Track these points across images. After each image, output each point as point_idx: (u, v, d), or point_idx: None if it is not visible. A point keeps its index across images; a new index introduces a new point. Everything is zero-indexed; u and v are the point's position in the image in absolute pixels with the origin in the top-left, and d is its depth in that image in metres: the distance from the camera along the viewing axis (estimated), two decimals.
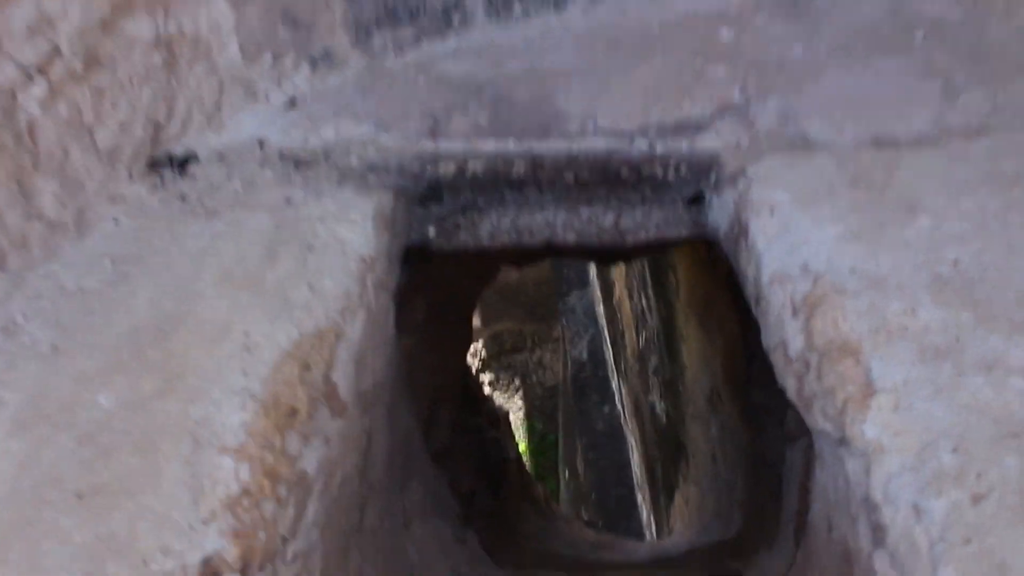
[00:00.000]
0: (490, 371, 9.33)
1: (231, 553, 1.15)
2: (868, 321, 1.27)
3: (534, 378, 9.32)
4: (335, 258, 1.53)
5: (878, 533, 1.12)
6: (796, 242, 1.42)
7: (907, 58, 1.75)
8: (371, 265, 1.55)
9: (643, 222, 1.73)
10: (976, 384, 1.16)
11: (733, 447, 2.95)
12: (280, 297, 1.45)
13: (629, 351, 5.14)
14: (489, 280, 2.48)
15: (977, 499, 1.05)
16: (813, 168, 1.52)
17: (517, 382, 9.34)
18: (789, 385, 1.39)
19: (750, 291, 1.54)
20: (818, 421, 1.29)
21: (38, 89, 1.56)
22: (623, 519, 5.62)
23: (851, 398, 1.20)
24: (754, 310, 1.54)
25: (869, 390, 1.20)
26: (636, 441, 5.38)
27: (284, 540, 1.22)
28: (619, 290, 5.34)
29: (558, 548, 3.13)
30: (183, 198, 1.73)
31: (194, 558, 1.14)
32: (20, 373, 1.40)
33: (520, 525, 3.13)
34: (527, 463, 8.55)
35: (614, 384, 6.19)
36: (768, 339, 1.45)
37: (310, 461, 1.29)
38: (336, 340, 1.42)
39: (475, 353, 9.26)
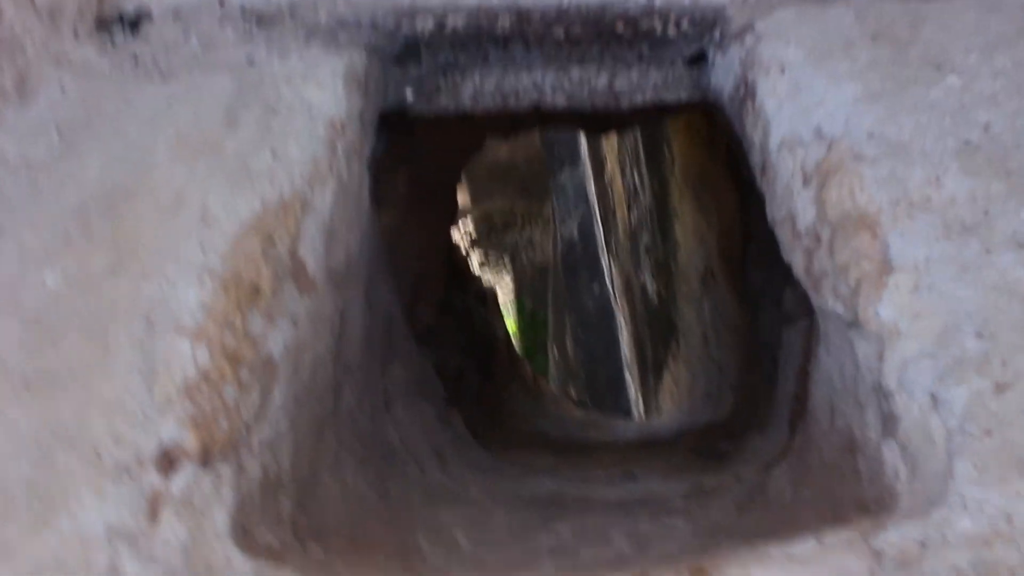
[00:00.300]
0: (480, 250, 9.24)
1: (190, 442, 1.07)
2: (888, 192, 1.15)
3: (524, 257, 9.25)
4: (301, 122, 1.39)
5: (889, 423, 1.04)
6: (809, 104, 1.28)
7: None
8: (341, 130, 1.41)
9: (639, 83, 1.58)
10: (1006, 262, 1.06)
11: (726, 328, 2.89)
12: (241, 165, 1.32)
13: (620, 229, 5.03)
14: (475, 152, 2.34)
15: (1001, 388, 0.96)
16: (829, 21, 1.37)
17: (507, 261, 9.28)
18: (796, 261, 1.28)
19: (755, 159, 1.41)
20: (827, 301, 1.19)
21: None
22: (612, 398, 5.65)
23: (866, 276, 1.10)
24: (759, 181, 1.42)
25: (886, 268, 1.09)
26: (626, 320, 5.35)
27: (248, 428, 1.13)
28: (611, 166, 5.18)
29: (546, 428, 3.11)
30: (135, 60, 1.57)
31: (150, 447, 1.05)
32: None
33: (508, 405, 3.09)
34: (516, 342, 8.59)
35: (604, 263, 6.11)
36: (774, 212, 1.34)
37: (275, 343, 1.19)
38: (303, 211, 1.30)
39: (464, 232, 9.16)
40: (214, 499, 1.06)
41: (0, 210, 1.35)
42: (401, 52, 1.59)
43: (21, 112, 1.50)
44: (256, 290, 1.19)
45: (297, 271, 1.26)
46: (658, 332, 4.21)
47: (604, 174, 5.47)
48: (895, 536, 0.87)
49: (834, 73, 1.29)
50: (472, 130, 2.24)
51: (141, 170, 1.36)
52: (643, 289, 4.46)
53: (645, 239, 4.24)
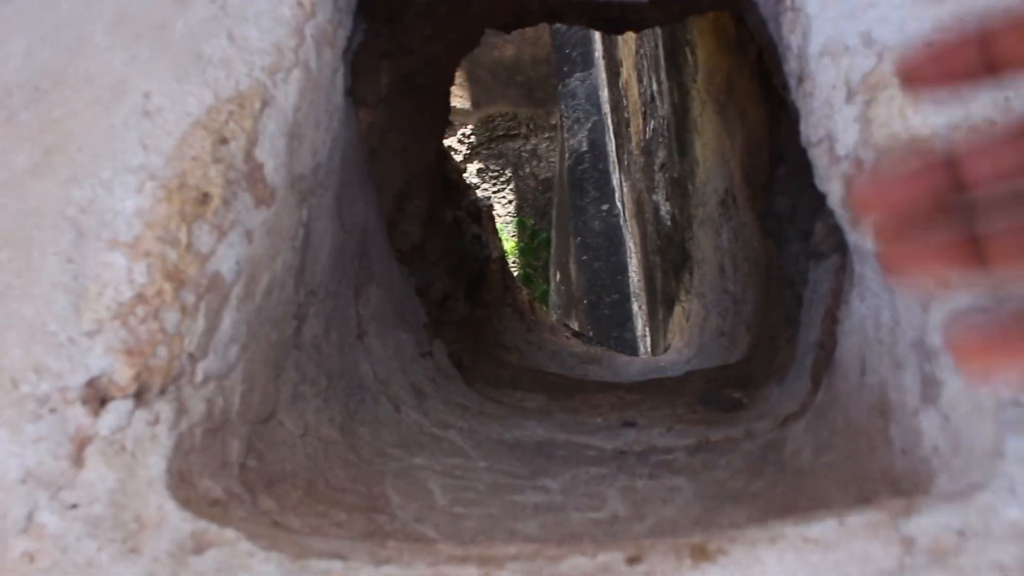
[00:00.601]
0: (478, 160, 9.10)
1: (122, 373, 1.01)
2: (946, 113, 1.06)
3: (527, 169, 9.11)
4: (264, 1, 1.29)
5: (930, 387, 0.97)
6: (858, 4, 1.18)
7: None
8: (311, 11, 1.31)
9: None
10: None
11: (745, 259, 2.81)
12: (191, 50, 1.22)
13: (634, 143, 4.90)
14: (470, 46, 2.22)
15: None
16: None
17: (508, 173, 9.14)
18: (832, 190, 1.19)
19: (791, 67, 1.32)
20: (865, 239, 1.12)
21: None
22: (615, 329, 5.61)
23: None
24: (793, 94, 1.32)
25: None
26: (636, 245, 5.27)
27: (192, 359, 1.07)
28: (626, 71, 5.02)
29: (540, 362, 3.07)
30: None
31: (76, 379, 0.99)
32: None
33: (498, 335, 3.04)
34: (515, 263, 8.54)
35: (615, 180, 6.00)
36: (809, 131, 1.25)
37: (226, 260, 1.12)
38: (262, 107, 1.21)
39: (462, 139, 9.00)
40: (149, 441, 1.00)
41: None
42: None
43: None
44: (205, 198, 1.12)
45: (253, 176, 1.18)
46: (670, 260, 4.13)
47: (619, 80, 5.31)
48: (929, 522, 0.81)
49: None
50: (468, 20, 2.13)
51: (74, 52, 1.27)
52: (656, 211, 4.36)
53: (661, 155, 4.13)
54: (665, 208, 4.12)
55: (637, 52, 4.62)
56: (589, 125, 6.35)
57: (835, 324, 1.50)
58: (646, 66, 4.30)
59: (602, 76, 6.12)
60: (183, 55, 1.22)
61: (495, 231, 3.42)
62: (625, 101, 5.11)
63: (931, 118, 1.06)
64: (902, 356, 1.06)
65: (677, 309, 4.02)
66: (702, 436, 1.73)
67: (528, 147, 9.05)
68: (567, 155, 6.49)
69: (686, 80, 3.38)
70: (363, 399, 1.59)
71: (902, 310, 1.06)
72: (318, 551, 0.93)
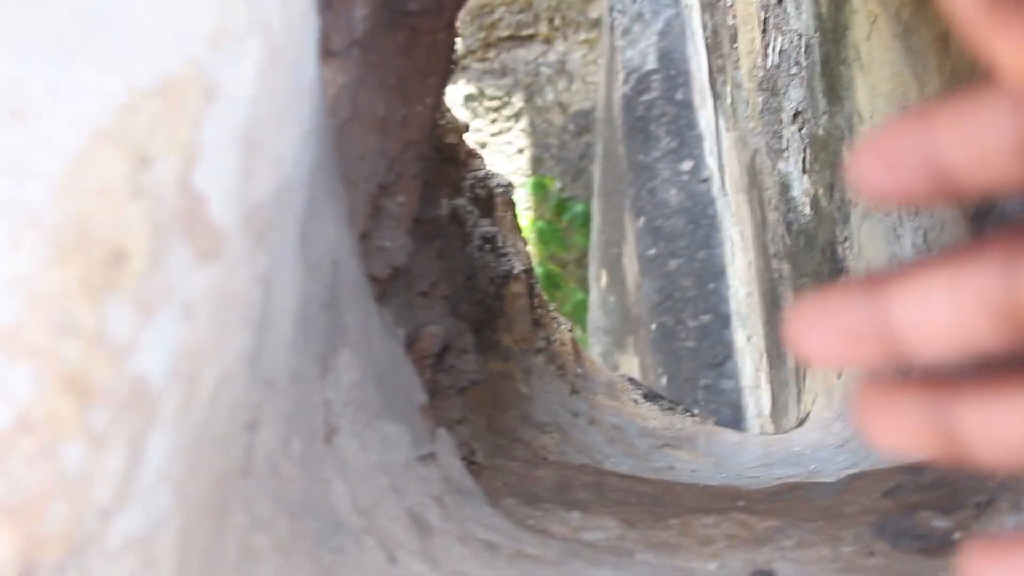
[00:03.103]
0: (468, 79, 9.20)
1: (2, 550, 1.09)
2: None
3: (550, 95, 9.22)
4: None
5: None
6: None
7: None
8: None
9: None
10: None
11: None
12: (93, 15, 1.31)
13: (744, 70, 4.96)
14: None
15: None
16: None
17: (517, 102, 9.26)
18: None
19: None
20: None
21: None
22: (705, 373, 5.69)
23: None
24: None
25: None
26: (745, 238, 5.33)
27: (105, 515, 1.16)
28: None
29: (596, 447, 3.15)
30: None
31: None
32: None
33: (528, 403, 3.12)
34: (532, 250, 8.59)
35: (705, 123, 6.08)
36: None
37: (153, 356, 1.21)
38: (203, 102, 1.30)
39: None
40: None
41: None
42: None
43: None
44: (118, 256, 1.20)
45: (193, 215, 1.27)
46: (809, 270, 4.19)
47: None
48: None
49: None
50: None
51: None
52: (784, 189, 4.42)
53: (795, 97, 4.17)
54: (802, 185, 4.16)
55: None
56: (659, 26, 6.41)
57: None
58: None
59: None
60: (81, 24, 1.31)
61: (516, 227, 3.50)
62: None
63: None
64: None
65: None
66: None
67: (551, 58, 9.16)
68: (621, 77, 6.56)
69: None
70: (341, 547, 1.69)
71: None
72: None
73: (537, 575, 1.93)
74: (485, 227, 3.24)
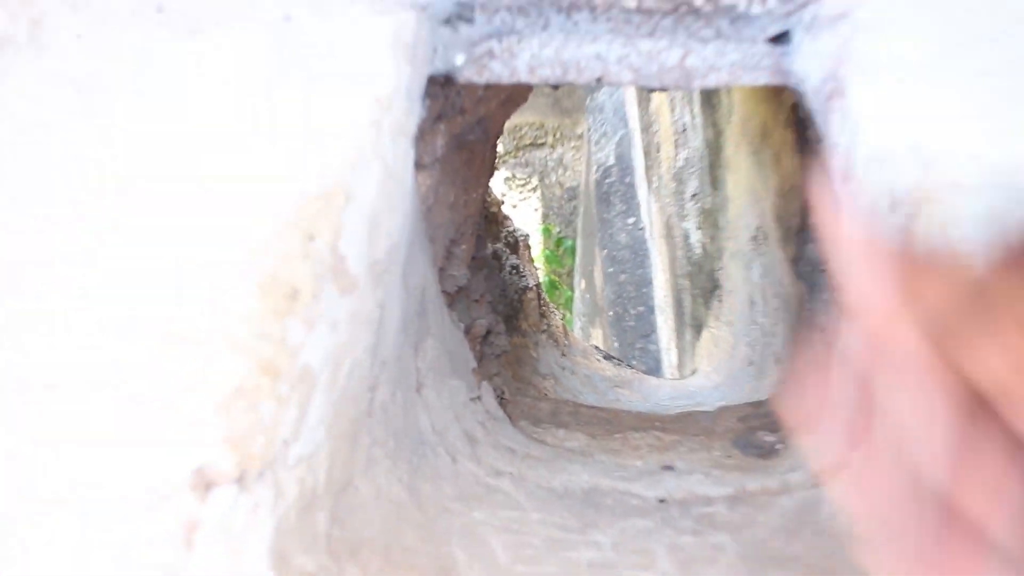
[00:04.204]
0: (506, 168, 9.17)
1: (226, 461, 1.09)
2: (987, 231, 1.12)
3: (553, 177, 9.17)
4: (344, 98, 1.36)
5: None
6: (908, 114, 1.25)
7: None
8: (388, 105, 1.39)
9: (715, 63, 1.54)
10: None
11: (776, 295, 2.87)
12: (277, 147, 1.30)
13: (664, 167, 4.96)
14: (517, 104, 2.29)
15: None
16: (941, 15, 1.32)
17: (534, 181, 9.21)
18: None
19: (837, 164, 1.38)
20: None
21: None
22: (640, 340, 5.67)
23: None
24: (838, 188, 1.39)
25: None
26: (663, 264, 5.33)
27: (285, 444, 1.15)
28: (658, 98, 5.08)
29: (575, 387, 3.14)
30: (159, 7, 1.53)
31: (185, 468, 1.08)
32: None
33: (536, 362, 3.12)
34: (540, 270, 8.60)
35: (641, 196, 6.06)
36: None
37: (314, 352, 1.20)
38: (345, 202, 1.29)
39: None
40: (252, 524, 1.09)
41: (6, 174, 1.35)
42: (453, 13, 1.55)
43: (33, 64, 1.47)
44: (295, 294, 1.20)
45: (338, 269, 1.26)
46: (699, 286, 4.19)
47: (650, 104, 5.36)
48: None
49: (940, 80, 1.25)
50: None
51: (169, 143, 1.35)
52: (686, 238, 4.43)
53: (693, 185, 4.19)
54: (696, 236, 4.18)
55: None
56: (616, 139, 6.40)
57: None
58: (679, 97, 4.36)
59: (631, 92, 6.17)
60: (269, 152, 1.30)
61: (531, 259, 3.49)
62: (656, 126, 5.17)
63: (972, 235, 1.12)
64: None
65: (705, 334, 4.08)
66: (739, 486, 1.81)
67: (554, 156, 9.11)
68: (594, 168, 6.55)
69: (720, 120, 3.43)
70: (424, 454, 1.67)
71: None
72: None
73: (538, 468, 1.91)
74: (513, 260, 3.22)
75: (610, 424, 2.45)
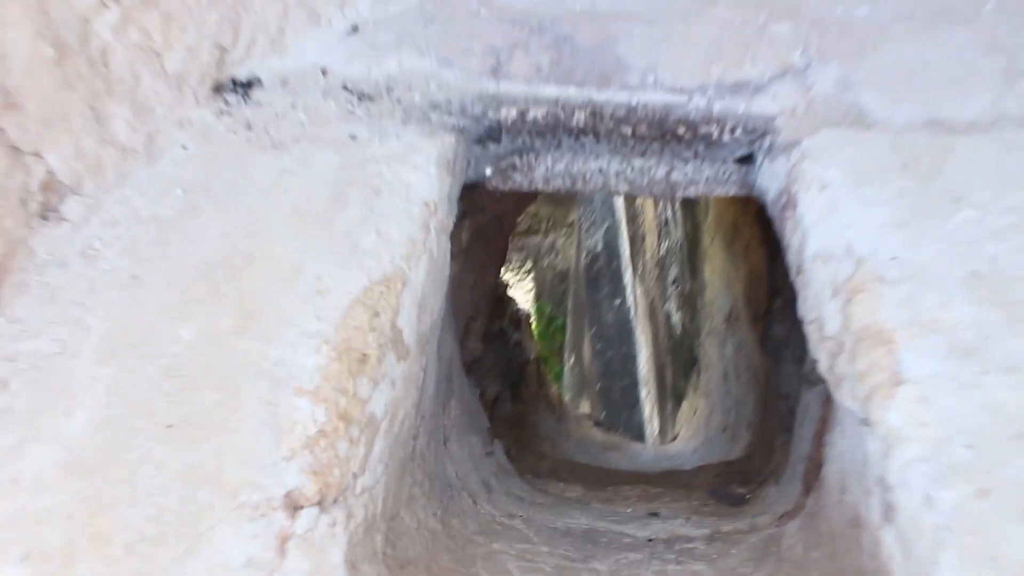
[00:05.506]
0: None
1: (310, 488, 1.31)
2: (904, 313, 1.38)
3: (546, 262, 9.47)
4: (400, 203, 1.62)
5: (889, 511, 1.28)
6: (843, 223, 1.52)
7: (972, 30, 1.79)
8: (434, 210, 1.65)
9: (694, 177, 1.82)
10: (997, 384, 1.29)
11: (747, 369, 3.12)
12: (349, 242, 1.56)
13: (648, 255, 5.25)
14: (529, 202, 2.58)
15: (984, 494, 1.20)
16: (867, 148, 1.60)
17: (529, 264, 9.50)
18: (821, 359, 1.52)
19: (792, 260, 1.65)
20: (845, 399, 1.43)
21: (111, 15, 1.62)
22: (625, 411, 5.88)
23: (880, 385, 1.33)
24: (793, 277, 1.65)
25: (897, 380, 1.32)
26: (646, 341, 5.57)
27: (355, 476, 1.38)
28: None
29: (570, 450, 3.35)
30: (249, 126, 1.80)
31: (277, 492, 1.29)
32: (102, 300, 1.52)
33: (536, 427, 3.33)
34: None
35: (627, 280, 6.33)
36: (805, 311, 1.57)
37: (378, 404, 1.44)
38: (402, 287, 1.53)
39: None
40: (330, 538, 1.31)
41: (135, 262, 1.59)
42: (484, 135, 1.82)
43: (149, 170, 1.73)
44: (364, 358, 1.44)
45: (396, 340, 1.51)
46: (680, 362, 4.44)
47: (635, 199, 5.70)
48: None
49: (867, 198, 1.52)
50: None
51: (259, 237, 1.59)
52: (667, 318, 4.69)
53: (674, 271, 4.47)
54: (676, 317, 4.44)
55: None
56: (604, 228, 6.71)
57: (822, 445, 1.81)
58: None
59: None
60: (343, 246, 1.55)
61: (531, 335, 3.72)
62: (641, 218, 5.48)
63: (892, 316, 1.38)
64: (870, 486, 1.37)
65: (685, 404, 4.31)
66: (715, 528, 2.03)
67: (547, 242, 9.41)
68: (583, 254, 6.84)
69: (698, 216, 3.74)
70: (452, 496, 1.89)
71: (870, 453, 1.37)
72: None
73: (544, 512, 2.11)
74: (517, 336, 3.45)
75: (603, 479, 2.65)
